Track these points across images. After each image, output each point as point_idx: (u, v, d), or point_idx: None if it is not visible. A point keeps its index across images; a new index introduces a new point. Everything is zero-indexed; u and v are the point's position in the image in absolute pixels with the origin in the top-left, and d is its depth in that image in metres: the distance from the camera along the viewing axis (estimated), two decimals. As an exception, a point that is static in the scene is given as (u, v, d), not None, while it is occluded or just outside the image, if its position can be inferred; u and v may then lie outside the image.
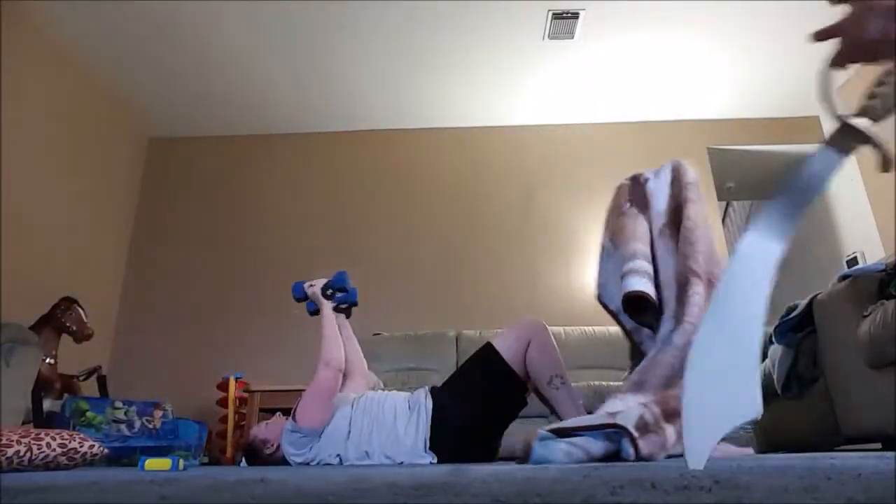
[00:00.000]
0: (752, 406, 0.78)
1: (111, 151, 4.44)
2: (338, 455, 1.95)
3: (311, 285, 2.26)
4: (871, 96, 0.80)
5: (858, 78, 4.22)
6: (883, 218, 4.05)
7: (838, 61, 0.79)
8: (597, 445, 1.22)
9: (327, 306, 2.21)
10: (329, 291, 2.26)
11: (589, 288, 4.37)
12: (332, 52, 4.00)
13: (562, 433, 1.23)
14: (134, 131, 4.73)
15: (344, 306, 2.40)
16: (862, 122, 0.78)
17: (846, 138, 0.80)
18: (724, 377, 0.79)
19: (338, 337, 2.11)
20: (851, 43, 0.77)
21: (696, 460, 0.77)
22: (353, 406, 2.06)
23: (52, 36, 3.76)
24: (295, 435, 1.94)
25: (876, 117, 0.78)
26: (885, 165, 0.79)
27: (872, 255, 4.05)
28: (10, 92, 3.38)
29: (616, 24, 3.80)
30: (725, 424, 0.78)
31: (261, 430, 2.11)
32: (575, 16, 3.70)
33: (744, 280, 0.80)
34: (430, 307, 4.30)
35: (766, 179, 5.25)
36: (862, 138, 0.79)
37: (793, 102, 4.61)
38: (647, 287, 1.64)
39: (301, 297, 2.30)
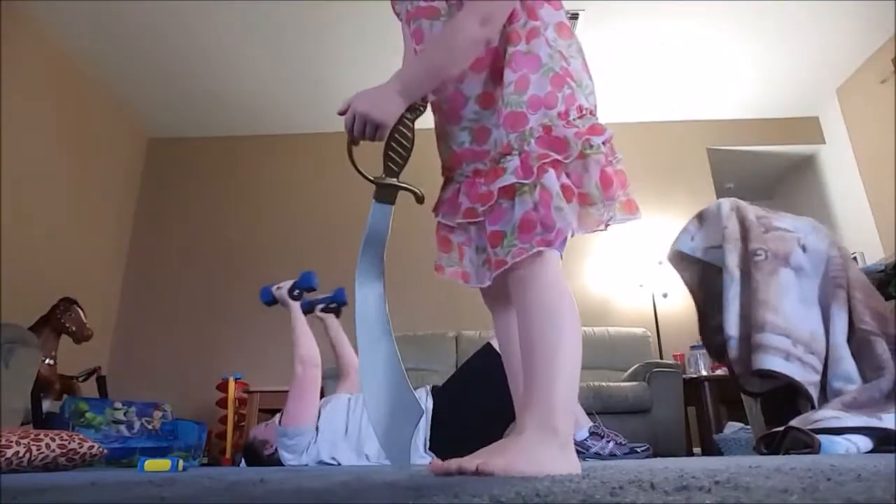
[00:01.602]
0: (416, 408, 1.01)
1: (111, 151, 4.43)
2: (333, 458, 1.95)
3: (279, 287, 2.27)
4: (385, 160, 1.09)
5: (853, 81, 4.22)
6: (883, 218, 4.05)
7: (349, 142, 1.08)
8: (865, 442, 1.52)
9: (295, 307, 2.21)
10: (296, 292, 2.25)
11: (588, 287, 4.37)
12: (331, 52, 4.00)
13: (834, 431, 1.54)
14: (134, 131, 4.73)
15: (333, 306, 2.44)
16: (390, 179, 1.08)
17: (385, 193, 1.09)
18: (388, 391, 1.01)
19: (308, 334, 2.13)
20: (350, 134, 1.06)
21: (401, 461, 0.99)
22: (348, 405, 2.06)
23: (52, 36, 3.76)
24: (285, 440, 1.94)
25: (393, 173, 1.08)
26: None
27: (872, 255, 4.05)
28: (10, 92, 3.38)
29: (616, 24, 3.80)
30: (407, 427, 1.00)
31: (259, 432, 2.11)
32: (575, 16, 3.69)
33: (368, 318, 1.06)
34: (430, 307, 4.29)
35: (766, 179, 5.25)
36: (395, 189, 1.09)
37: (793, 103, 4.61)
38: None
39: (269, 300, 2.30)
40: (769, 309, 1.78)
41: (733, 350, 1.80)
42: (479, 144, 1.09)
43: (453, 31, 1.04)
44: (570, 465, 0.85)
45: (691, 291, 2.09)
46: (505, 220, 0.99)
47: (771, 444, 1.68)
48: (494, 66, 1.07)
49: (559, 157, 0.99)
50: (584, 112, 1.07)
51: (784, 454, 1.60)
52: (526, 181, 0.97)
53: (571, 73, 1.08)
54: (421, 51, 1.13)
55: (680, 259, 2.08)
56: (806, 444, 1.55)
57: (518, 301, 1.00)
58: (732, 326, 1.83)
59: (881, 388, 1.67)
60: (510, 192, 0.99)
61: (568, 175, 1.01)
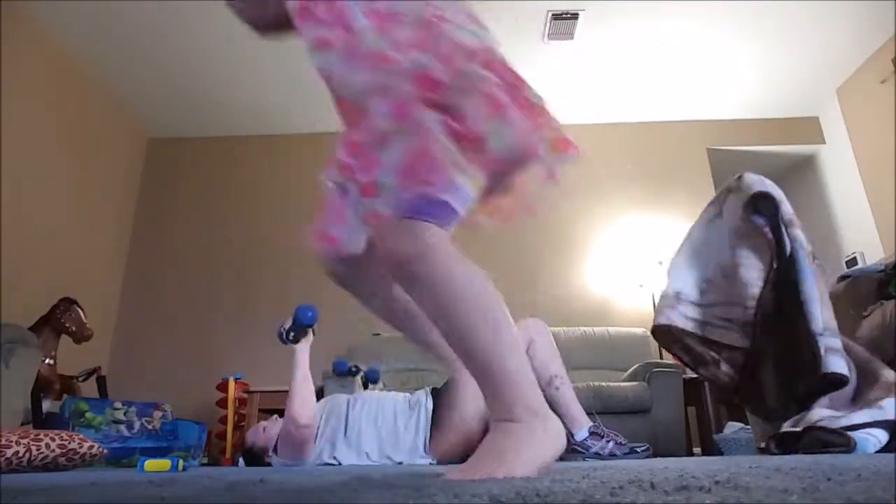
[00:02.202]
0: None
1: (111, 151, 4.43)
2: (333, 457, 1.95)
3: (282, 327, 2.02)
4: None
5: (853, 81, 4.22)
6: (883, 218, 4.05)
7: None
8: (882, 434, 1.57)
9: (299, 352, 1.99)
10: (291, 335, 1.99)
11: (588, 288, 4.37)
12: (331, 52, 4.00)
13: (854, 427, 1.57)
14: (134, 131, 4.73)
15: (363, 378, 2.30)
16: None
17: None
18: None
19: (303, 391, 1.94)
20: None
21: None
22: (348, 405, 2.06)
23: (52, 36, 3.76)
24: (283, 465, 1.94)
25: None
26: None
27: (872, 255, 4.04)
28: (11, 92, 3.38)
29: (616, 24, 3.80)
30: None
31: (259, 437, 2.10)
32: (574, 16, 3.69)
33: None
34: (429, 308, 4.30)
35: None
36: None
37: (793, 102, 4.61)
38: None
39: (283, 341, 2.05)
40: (832, 316, 1.79)
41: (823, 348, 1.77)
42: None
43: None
44: (557, 434, 0.82)
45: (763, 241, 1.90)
46: (380, 167, 0.86)
47: (781, 445, 1.66)
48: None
49: (433, 95, 0.86)
50: (467, 47, 0.93)
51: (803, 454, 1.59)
52: (399, 121, 0.86)
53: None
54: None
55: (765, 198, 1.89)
56: (826, 443, 1.54)
57: (415, 293, 0.88)
58: (821, 323, 1.75)
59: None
60: (383, 137, 0.87)
61: (454, 117, 0.87)
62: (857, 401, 1.71)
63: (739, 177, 2.02)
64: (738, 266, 1.90)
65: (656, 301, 4.09)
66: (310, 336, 2.03)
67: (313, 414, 1.94)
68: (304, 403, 1.92)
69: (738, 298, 1.87)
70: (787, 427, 1.71)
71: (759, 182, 1.91)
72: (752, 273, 1.88)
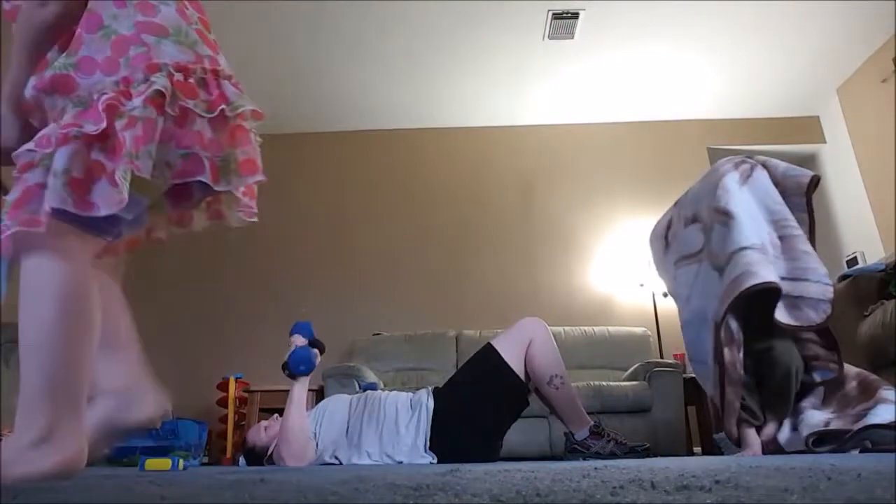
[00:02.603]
0: None
1: (111, 151, 4.43)
2: (335, 457, 1.95)
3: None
4: None
5: (854, 80, 4.22)
6: (883, 218, 4.05)
7: None
8: None
9: (297, 387, 1.98)
10: (287, 372, 2.01)
11: (589, 287, 4.37)
12: (332, 52, 4.00)
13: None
14: (134, 131, 4.72)
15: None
16: None
17: None
18: None
19: (296, 437, 1.92)
20: None
21: None
22: (350, 407, 2.06)
23: (52, 36, 3.76)
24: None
25: None
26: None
27: (872, 255, 4.04)
28: (10, 92, 3.38)
29: (616, 24, 3.80)
30: None
31: (260, 437, 2.10)
32: (575, 16, 3.69)
33: None
34: (430, 307, 4.29)
35: (766, 179, 5.25)
36: None
37: (793, 102, 4.61)
38: None
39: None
40: None
41: None
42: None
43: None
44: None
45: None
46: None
47: (820, 444, 1.63)
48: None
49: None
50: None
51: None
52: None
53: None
54: None
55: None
56: (878, 442, 1.53)
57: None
58: None
59: None
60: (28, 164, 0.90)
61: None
62: (828, 399, 1.70)
63: (749, 155, 2.06)
64: (792, 238, 1.85)
65: (657, 300, 4.11)
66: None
67: (300, 457, 1.92)
68: (290, 454, 1.91)
69: (805, 274, 1.76)
70: (786, 429, 1.70)
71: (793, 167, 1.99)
72: (809, 247, 1.82)
